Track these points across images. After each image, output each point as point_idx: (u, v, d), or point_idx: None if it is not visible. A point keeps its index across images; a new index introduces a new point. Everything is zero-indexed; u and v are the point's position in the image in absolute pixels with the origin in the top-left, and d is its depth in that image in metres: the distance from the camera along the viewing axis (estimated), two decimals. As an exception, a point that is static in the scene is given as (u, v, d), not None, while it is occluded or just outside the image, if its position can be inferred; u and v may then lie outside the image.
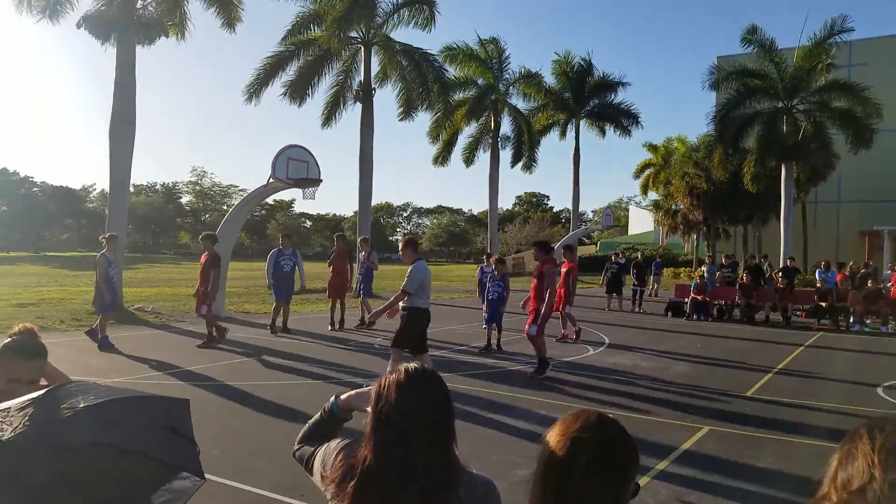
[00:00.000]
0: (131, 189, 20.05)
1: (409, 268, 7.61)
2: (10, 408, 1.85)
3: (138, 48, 17.09)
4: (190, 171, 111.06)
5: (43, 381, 2.73)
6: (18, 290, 22.57)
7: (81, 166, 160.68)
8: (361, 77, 24.47)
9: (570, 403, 7.32)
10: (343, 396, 2.13)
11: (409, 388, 1.78)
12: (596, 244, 62.15)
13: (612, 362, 10.23)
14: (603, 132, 36.24)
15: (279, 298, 12.79)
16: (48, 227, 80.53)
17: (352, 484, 1.75)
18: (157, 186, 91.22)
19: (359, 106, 24.51)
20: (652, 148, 47.36)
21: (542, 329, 9.02)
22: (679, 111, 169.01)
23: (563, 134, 36.05)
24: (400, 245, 8.01)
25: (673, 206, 43.38)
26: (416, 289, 7.49)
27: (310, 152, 15.15)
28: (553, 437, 1.48)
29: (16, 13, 16.52)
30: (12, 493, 1.63)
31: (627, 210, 79.15)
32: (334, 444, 1.97)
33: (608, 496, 1.38)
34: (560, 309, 12.71)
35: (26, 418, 1.81)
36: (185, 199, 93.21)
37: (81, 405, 1.88)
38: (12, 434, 1.73)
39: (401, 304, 7.62)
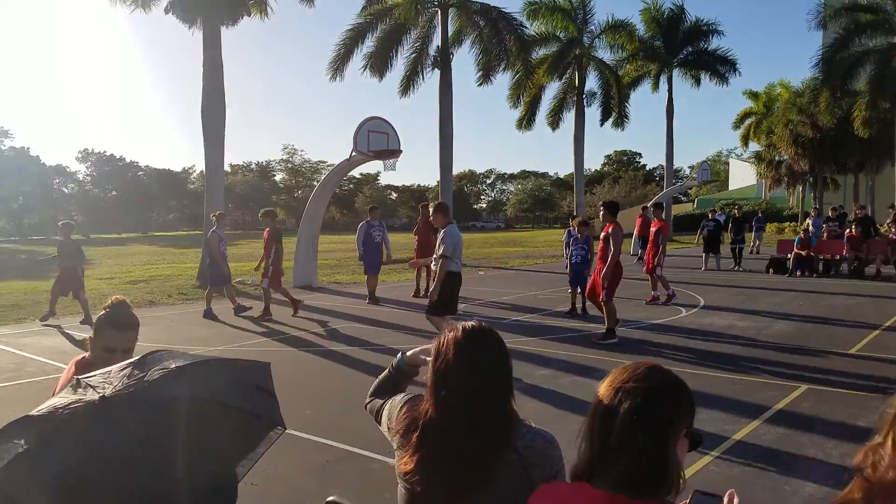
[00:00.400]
0: (227, 168, 20.95)
1: (441, 232, 7.56)
2: (111, 370, 2.06)
3: (223, 29, 17.75)
4: (281, 149, 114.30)
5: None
6: (130, 268, 24.28)
7: (181, 149, 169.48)
8: (439, 42, 24.33)
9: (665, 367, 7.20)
10: (409, 353, 2.23)
11: (465, 344, 1.84)
12: (693, 201, 59.68)
13: (705, 323, 9.93)
14: (698, 81, 34.43)
15: (369, 268, 13.14)
16: (154, 209, 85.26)
17: (415, 435, 1.84)
18: (252, 165, 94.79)
19: (437, 73, 24.44)
20: (752, 96, 44.70)
21: (611, 293, 8.73)
22: (781, 55, 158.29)
23: (655, 86, 34.58)
24: (431, 210, 7.93)
25: (776, 157, 41.09)
26: (451, 252, 7.44)
27: (389, 124, 15.31)
28: (602, 387, 1.50)
29: (109, 5, 17.53)
30: (111, 445, 1.80)
31: (727, 164, 75.39)
32: (399, 398, 2.06)
33: (651, 446, 1.38)
34: (649, 271, 12.39)
35: (125, 377, 2.01)
36: (278, 177, 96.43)
37: (172, 366, 2.06)
38: (113, 391, 1.93)
39: (433, 267, 7.63)
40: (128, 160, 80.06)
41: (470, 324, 1.92)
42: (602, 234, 8.95)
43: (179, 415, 1.91)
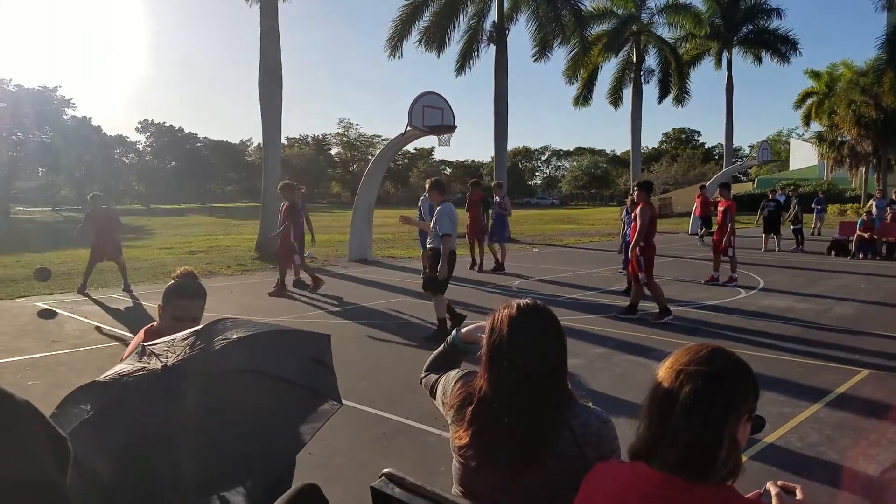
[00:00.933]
0: (284, 141, 21.23)
1: (437, 209, 7.52)
2: (175, 339, 2.15)
3: (280, 2, 17.94)
4: (337, 122, 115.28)
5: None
6: (189, 238, 25.04)
7: (239, 122, 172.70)
8: (494, 18, 24.07)
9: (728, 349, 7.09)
10: (464, 330, 2.26)
11: (519, 321, 1.86)
12: (753, 181, 57.94)
13: (764, 305, 9.70)
14: (759, 60, 33.76)
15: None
16: (212, 181, 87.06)
17: (469, 410, 1.86)
18: (308, 139, 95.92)
19: (492, 49, 24.21)
20: (814, 75, 43.07)
21: (650, 273, 8.68)
22: (844, 35, 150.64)
23: (718, 63, 34.23)
24: (427, 186, 7.93)
25: (839, 138, 39.56)
26: (452, 229, 7.41)
27: (444, 99, 15.29)
28: (662, 369, 1.49)
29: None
30: (170, 413, 1.88)
31: (787, 143, 72.83)
32: (454, 373, 2.08)
33: (712, 430, 1.38)
34: (722, 251, 12.10)
35: (188, 347, 2.08)
36: (334, 151, 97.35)
37: (234, 337, 2.13)
38: (175, 360, 2.01)
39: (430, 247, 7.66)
40: (186, 131, 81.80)
41: (525, 301, 1.93)
42: (635, 214, 8.92)
43: (238, 387, 1.97)
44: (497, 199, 14.60)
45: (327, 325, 8.43)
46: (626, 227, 11.79)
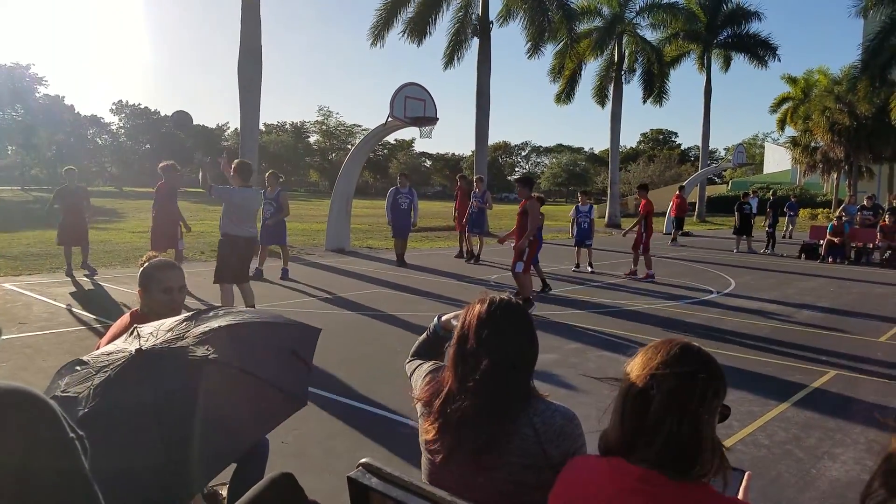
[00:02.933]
0: (262, 127, 20.98)
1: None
2: (164, 322, 2.17)
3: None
4: (317, 110, 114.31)
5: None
6: (166, 223, 24.62)
7: (216, 106, 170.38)
8: (479, 11, 24.04)
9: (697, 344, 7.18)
10: (444, 317, 2.26)
11: (488, 317, 1.84)
12: (727, 183, 58.76)
13: (735, 305, 9.85)
14: (728, 64, 35.09)
15: (397, 233, 13.50)
16: (187, 165, 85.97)
17: (437, 403, 1.85)
18: (287, 126, 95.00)
19: (475, 43, 24.20)
20: (791, 80, 43.70)
21: (527, 267, 8.90)
22: (820, 41, 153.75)
23: (701, 65, 34.73)
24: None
25: (812, 143, 40.23)
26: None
27: (427, 90, 15.24)
28: (634, 368, 1.49)
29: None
30: (139, 394, 1.88)
31: (762, 147, 73.89)
32: (426, 366, 2.08)
33: (688, 429, 1.39)
34: (639, 248, 12.61)
35: (170, 331, 2.10)
36: (312, 139, 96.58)
37: (217, 325, 2.15)
38: (151, 345, 2.02)
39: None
40: (162, 114, 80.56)
41: (498, 297, 1.91)
42: (519, 209, 9.10)
43: (203, 375, 1.98)
44: (477, 191, 14.65)
45: (302, 315, 8.37)
46: (575, 224, 13.37)
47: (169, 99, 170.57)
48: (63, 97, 61.73)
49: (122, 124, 79.23)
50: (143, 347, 1.99)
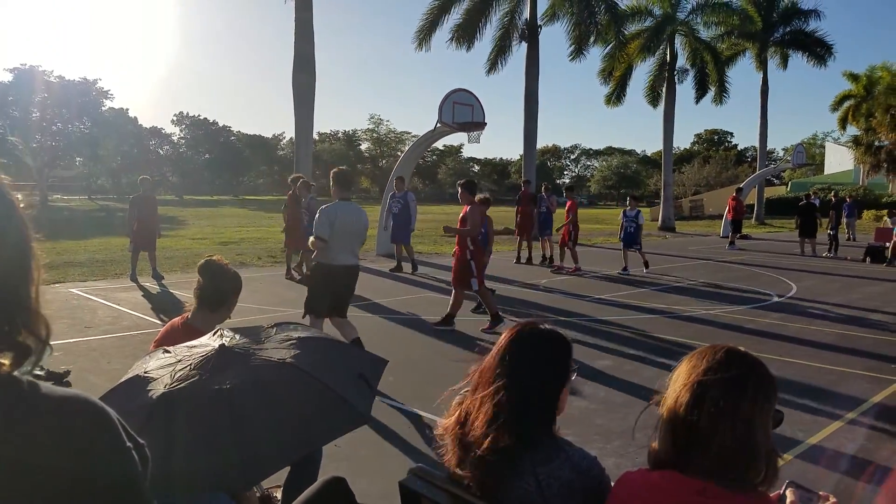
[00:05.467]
0: (316, 136, 21.34)
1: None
2: (243, 329, 2.33)
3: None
4: (367, 118, 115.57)
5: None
6: (221, 229, 25.35)
7: (272, 115, 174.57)
8: (527, 15, 23.95)
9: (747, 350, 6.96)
10: None
11: (515, 341, 1.72)
12: (787, 184, 56.90)
13: (798, 310, 9.51)
14: (785, 63, 33.93)
15: (392, 239, 13.82)
16: (245, 173, 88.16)
17: (456, 431, 1.73)
18: (339, 134, 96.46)
19: (524, 47, 24.10)
20: (852, 77, 42.02)
21: (481, 280, 8.02)
22: (883, 37, 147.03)
23: (759, 64, 33.76)
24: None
25: (876, 142, 38.65)
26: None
27: (475, 96, 15.26)
28: (680, 377, 1.45)
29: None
30: (223, 386, 1.96)
31: (822, 147, 71.33)
32: (463, 386, 1.89)
33: (740, 435, 1.34)
34: (565, 244, 13.69)
35: (250, 336, 2.25)
36: (364, 146, 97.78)
37: (294, 336, 2.28)
38: (234, 343, 2.16)
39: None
40: (220, 124, 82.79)
41: (534, 323, 1.77)
42: (461, 216, 8.18)
43: (276, 376, 2.09)
44: (544, 196, 15.14)
45: (355, 319, 8.44)
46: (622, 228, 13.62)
47: (227, 109, 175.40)
48: (127, 109, 63.89)
49: (182, 135, 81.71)
50: (226, 344, 2.12)
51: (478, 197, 8.33)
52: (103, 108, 53.21)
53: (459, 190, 8.29)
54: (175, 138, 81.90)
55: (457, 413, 1.75)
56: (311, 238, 6.06)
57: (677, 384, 1.44)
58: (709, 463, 1.35)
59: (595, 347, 6.88)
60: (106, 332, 7.54)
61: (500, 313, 7.97)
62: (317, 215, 6.03)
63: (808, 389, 5.51)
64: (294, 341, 2.23)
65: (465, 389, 1.81)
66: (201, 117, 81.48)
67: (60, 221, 26.67)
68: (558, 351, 1.73)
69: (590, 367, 6.15)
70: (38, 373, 2.34)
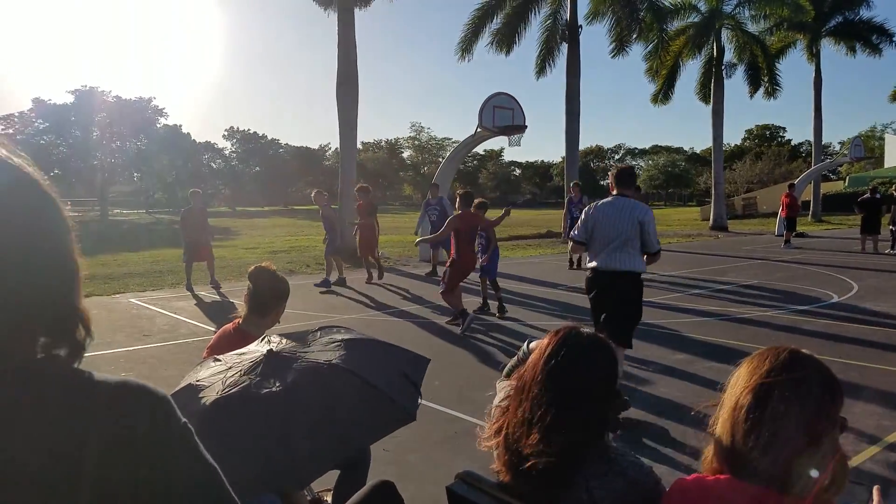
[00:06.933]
0: (359, 146, 21.62)
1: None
2: (289, 334, 2.40)
3: (357, 11, 18.30)
4: (409, 126, 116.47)
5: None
6: (272, 239, 25.89)
7: (317, 126, 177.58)
8: (567, 15, 23.81)
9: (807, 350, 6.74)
10: (534, 343, 2.18)
11: (559, 346, 1.65)
12: (844, 179, 54.96)
13: (859, 310, 9.17)
14: (853, 51, 31.93)
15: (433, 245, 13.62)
16: (293, 184, 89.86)
17: (498, 441, 1.69)
18: (382, 143, 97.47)
19: (564, 48, 23.97)
20: (912, 66, 40.48)
21: (449, 287, 8.24)
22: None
23: (810, 55, 32.76)
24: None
25: (939, 133, 37.06)
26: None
27: (514, 99, 15.23)
28: (740, 380, 1.41)
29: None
30: (273, 389, 2.01)
31: (882, 139, 68.66)
32: (502, 395, 1.86)
33: (803, 438, 1.30)
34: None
35: (297, 341, 2.30)
36: (405, 154, 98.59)
37: (339, 338, 2.31)
38: (281, 348, 2.22)
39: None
40: (269, 138, 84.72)
41: (576, 330, 1.69)
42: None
43: (325, 378, 2.13)
44: (574, 197, 14.57)
45: (397, 323, 8.51)
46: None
47: (275, 123, 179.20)
48: (180, 126, 65.98)
49: (233, 149, 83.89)
50: (274, 349, 2.18)
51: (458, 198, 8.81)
52: (158, 126, 55.02)
53: (458, 200, 8.73)
54: (227, 152, 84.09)
55: (501, 420, 1.70)
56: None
57: (737, 387, 1.39)
58: (768, 468, 1.30)
59: (646, 352, 6.76)
60: (164, 340, 7.76)
61: (468, 310, 8.26)
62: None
63: (870, 392, 5.29)
64: (339, 343, 2.27)
65: (509, 394, 1.75)
66: (251, 131, 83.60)
67: (120, 234, 27.61)
68: (604, 357, 1.67)
69: (641, 372, 6.05)
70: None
